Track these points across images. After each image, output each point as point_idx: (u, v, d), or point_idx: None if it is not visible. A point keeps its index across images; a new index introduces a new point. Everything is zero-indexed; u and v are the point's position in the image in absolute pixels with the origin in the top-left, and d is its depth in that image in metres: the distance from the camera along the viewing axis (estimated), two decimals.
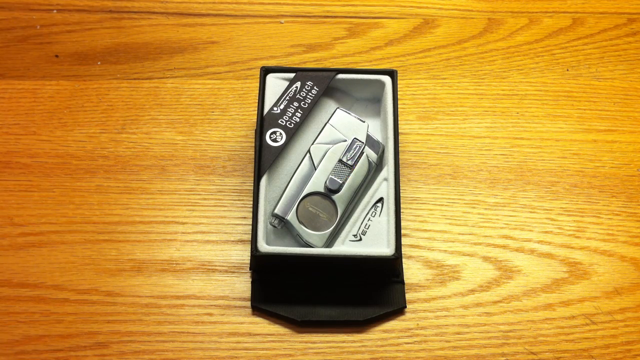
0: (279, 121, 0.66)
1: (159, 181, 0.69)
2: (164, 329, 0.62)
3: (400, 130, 0.69)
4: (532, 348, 0.62)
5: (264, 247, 0.61)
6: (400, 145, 0.68)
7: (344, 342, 0.62)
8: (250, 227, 0.65)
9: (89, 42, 0.76)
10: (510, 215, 0.68)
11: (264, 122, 0.66)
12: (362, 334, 0.62)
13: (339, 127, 0.66)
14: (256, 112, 0.68)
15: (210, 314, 0.63)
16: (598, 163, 0.71)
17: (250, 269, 0.64)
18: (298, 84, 0.67)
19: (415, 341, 0.62)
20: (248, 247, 0.66)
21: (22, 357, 0.61)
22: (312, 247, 0.62)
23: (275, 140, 0.65)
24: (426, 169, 0.70)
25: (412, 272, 0.65)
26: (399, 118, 0.71)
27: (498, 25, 0.78)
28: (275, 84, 0.68)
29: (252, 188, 0.68)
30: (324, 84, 0.68)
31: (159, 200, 0.68)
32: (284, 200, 0.63)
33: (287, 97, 0.67)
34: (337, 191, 0.64)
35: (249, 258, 0.65)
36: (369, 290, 0.64)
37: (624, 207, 0.69)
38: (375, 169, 0.66)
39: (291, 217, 0.63)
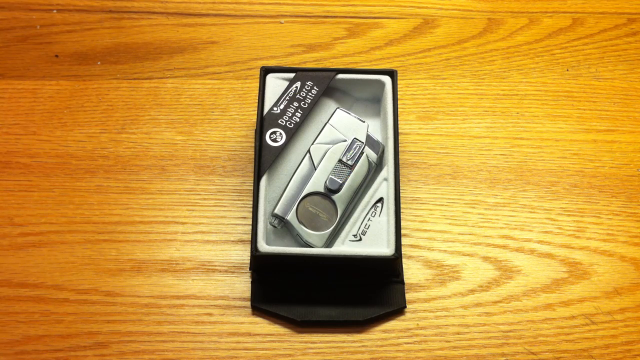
0: (279, 121, 0.66)
1: (159, 181, 0.69)
2: (164, 329, 0.62)
3: (400, 130, 0.69)
4: (532, 348, 0.62)
5: (264, 247, 0.61)
6: (400, 145, 0.68)
7: (344, 342, 0.62)
8: (250, 227, 0.65)
9: (89, 42, 0.76)
10: (510, 215, 0.68)
11: (264, 122, 0.66)
12: (362, 334, 0.62)
13: (339, 127, 0.66)
14: (256, 112, 0.68)
15: (210, 314, 0.63)
16: (598, 163, 0.71)
17: (250, 269, 0.64)
18: (298, 84, 0.67)
19: (415, 341, 0.62)
20: (248, 247, 0.66)
21: (22, 357, 0.61)
22: (312, 247, 0.62)
23: (275, 140, 0.65)
24: (426, 169, 0.70)
25: (412, 272, 0.65)
26: (399, 118, 0.71)
27: (498, 25, 0.78)
28: (275, 84, 0.68)
29: (252, 188, 0.68)
30: (324, 84, 0.68)
31: (159, 200, 0.68)
32: (284, 200, 0.63)
33: (287, 97, 0.67)
34: (337, 191, 0.64)
35: (249, 258, 0.65)
36: (369, 290, 0.64)
37: (624, 207, 0.69)
38: (375, 169, 0.66)
39: (291, 217, 0.63)
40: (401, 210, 0.67)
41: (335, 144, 0.65)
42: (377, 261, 0.62)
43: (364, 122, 0.67)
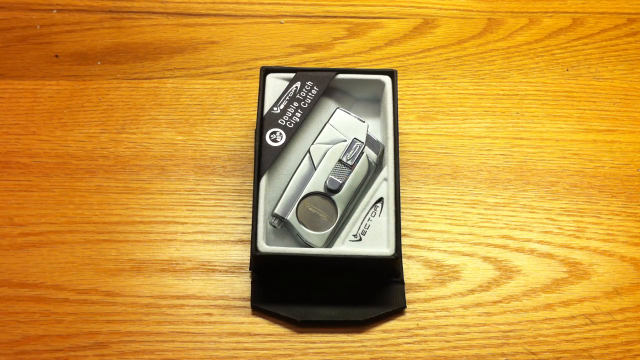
0: (279, 121, 0.66)
1: (159, 181, 0.69)
2: (164, 329, 0.62)
3: (400, 130, 0.69)
4: (532, 348, 0.62)
5: (263, 247, 0.61)
6: (400, 145, 0.68)
7: (343, 342, 0.62)
8: (250, 227, 0.65)
9: (89, 42, 0.76)
10: (510, 215, 0.68)
11: (264, 122, 0.66)
12: (362, 334, 0.62)
13: (339, 127, 0.66)
14: (256, 112, 0.68)
15: (210, 314, 0.63)
16: (598, 163, 0.71)
17: (250, 269, 0.64)
18: (298, 84, 0.67)
19: (415, 341, 0.62)
20: (248, 247, 0.66)
21: (22, 357, 0.61)
22: (312, 247, 0.62)
23: (275, 140, 0.65)
24: (426, 169, 0.70)
25: (412, 272, 0.65)
26: (399, 118, 0.71)
27: (498, 25, 0.78)
28: (275, 84, 0.68)
29: (252, 188, 0.68)
30: (324, 84, 0.68)
31: (159, 200, 0.68)
32: (283, 200, 0.63)
33: (287, 97, 0.67)
34: (337, 191, 0.64)
35: (249, 258, 0.65)
36: (369, 290, 0.64)
37: (624, 207, 0.69)
38: (375, 169, 0.66)
39: (291, 217, 0.63)
40: (401, 210, 0.67)
41: (335, 144, 0.65)
42: (377, 261, 0.62)
43: (364, 122, 0.67)
